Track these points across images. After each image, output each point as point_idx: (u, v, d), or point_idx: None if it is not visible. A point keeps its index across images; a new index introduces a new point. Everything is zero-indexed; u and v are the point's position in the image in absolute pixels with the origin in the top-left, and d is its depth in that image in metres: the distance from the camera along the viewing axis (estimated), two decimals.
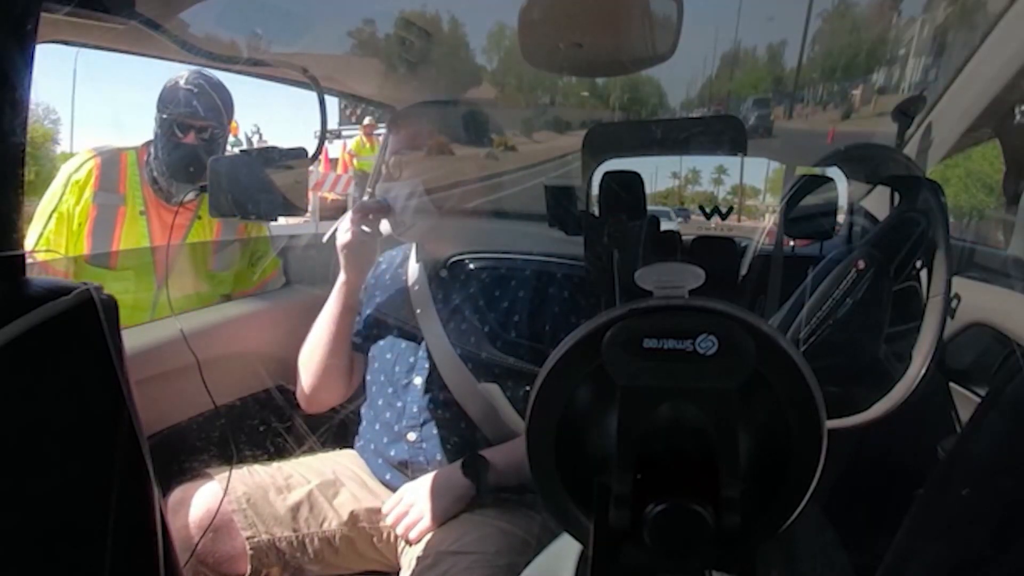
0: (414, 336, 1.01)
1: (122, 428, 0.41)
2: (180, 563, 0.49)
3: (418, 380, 0.98)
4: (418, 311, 1.01)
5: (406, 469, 0.96)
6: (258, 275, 1.38)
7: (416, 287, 1.03)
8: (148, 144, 1.30)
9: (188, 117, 1.24)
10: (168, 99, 1.24)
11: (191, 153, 1.24)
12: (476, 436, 0.95)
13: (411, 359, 1.00)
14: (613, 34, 0.83)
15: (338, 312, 1.02)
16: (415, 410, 0.97)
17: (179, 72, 1.24)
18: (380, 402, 1.00)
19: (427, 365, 0.98)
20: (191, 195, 1.26)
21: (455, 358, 0.96)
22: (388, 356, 1.02)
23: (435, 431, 0.96)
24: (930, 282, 0.78)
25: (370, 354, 1.04)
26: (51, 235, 1.23)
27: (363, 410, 1.05)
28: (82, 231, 1.23)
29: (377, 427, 1.00)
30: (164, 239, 1.27)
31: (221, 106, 1.26)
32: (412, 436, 0.96)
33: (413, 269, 1.05)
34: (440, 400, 0.96)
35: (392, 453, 0.97)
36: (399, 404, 0.98)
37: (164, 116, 1.24)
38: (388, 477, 0.98)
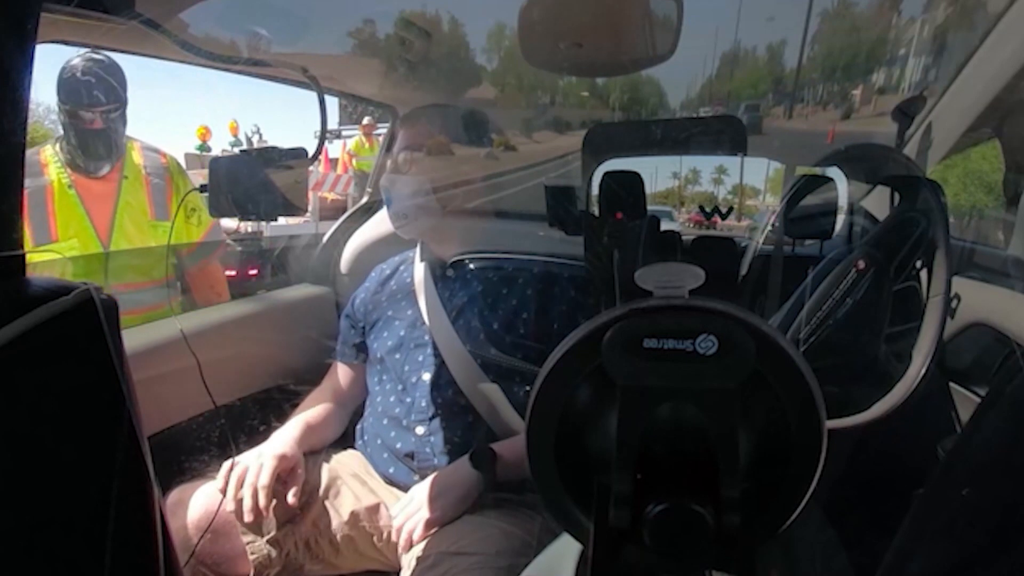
0: (422, 334, 1.02)
1: (122, 428, 0.41)
2: (180, 563, 0.49)
3: (427, 376, 0.99)
4: (425, 309, 1.02)
5: (412, 461, 0.97)
6: (197, 227, 1.49)
7: (422, 286, 1.05)
8: (59, 138, 1.38)
9: (94, 106, 1.33)
10: (70, 91, 1.32)
11: (101, 134, 1.35)
12: (483, 430, 0.96)
13: (419, 357, 1.01)
14: (613, 34, 0.83)
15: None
16: (424, 404, 0.98)
17: (72, 60, 1.32)
18: (392, 399, 1.02)
19: (435, 362, 0.99)
20: (107, 169, 1.38)
21: (463, 354, 0.97)
22: (397, 356, 1.03)
23: (443, 424, 0.97)
24: (930, 282, 0.78)
25: (378, 353, 1.05)
26: None
27: (369, 407, 1.06)
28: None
29: (385, 422, 1.01)
30: (96, 206, 1.37)
31: (118, 86, 1.36)
32: (420, 430, 0.97)
33: (419, 268, 1.06)
34: (449, 395, 0.97)
35: (399, 446, 0.98)
36: (408, 400, 0.99)
37: (68, 108, 1.33)
38: (392, 471, 0.99)
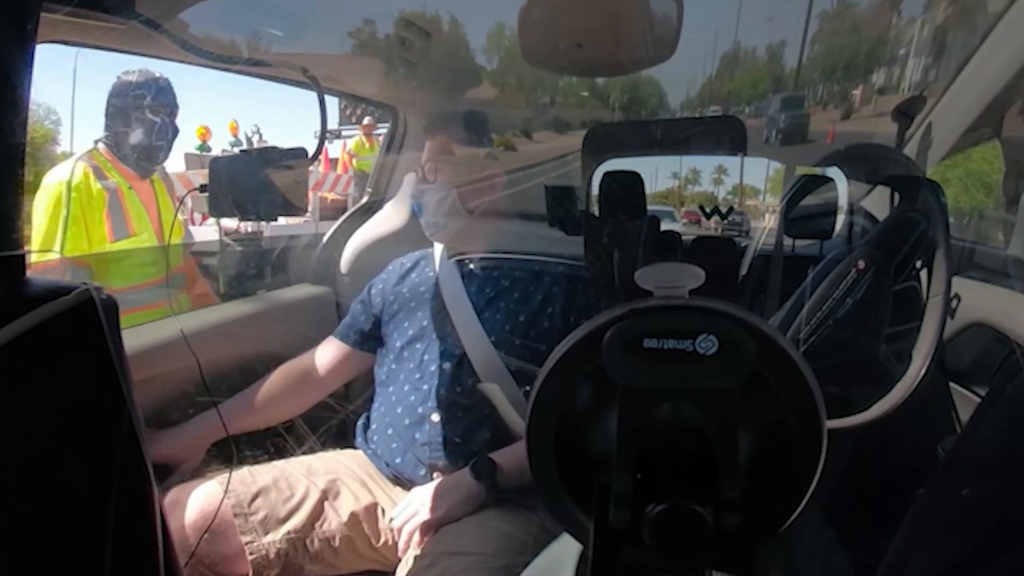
0: (445, 325, 1.03)
1: (122, 428, 0.41)
2: (180, 564, 0.49)
3: (447, 366, 1.00)
4: (449, 301, 1.04)
5: (424, 450, 0.97)
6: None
7: (447, 279, 1.07)
8: (109, 141, 1.55)
9: (175, 107, 1.58)
10: (171, 95, 1.54)
11: (166, 132, 1.57)
12: (497, 421, 0.97)
13: (441, 347, 1.02)
14: (613, 34, 0.83)
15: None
16: (442, 393, 0.99)
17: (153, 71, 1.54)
18: (406, 387, 1.02)
19: (456, 352, 1.00)
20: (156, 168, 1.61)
21: (487, 347, 0.99)
22: (418, 346, 1.04)
23: (459, 414, 0.98)
24: (930, 282, 0.78)
25: (396, 343, 1.06)
26: (71, 238, 1.45)
27: (379, 397, 1.07)
28: (101, 217, 1.48)
29: (399, 410, 1.01)
30: (148, 204, 1.59)
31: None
32: (436, 417, 0.98)
33: (443, 263, 1.09)
34: (468, 386, 0.98)
35: (416, 436, 0.98)
36: (425, 387, 1.00)
37: (157, 106, 1.53)
38: (399, 461, 0.99)
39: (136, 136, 1.52)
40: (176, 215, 1.69)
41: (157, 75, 1.52)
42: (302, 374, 1.11)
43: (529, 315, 1.01)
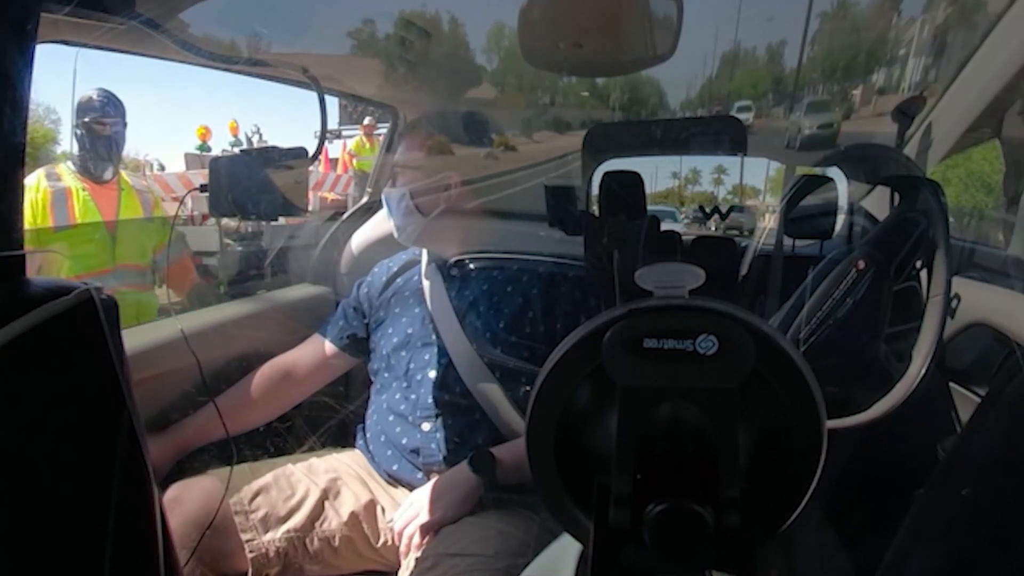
0: (429, 332, 1.03)
1: (122, 428, 0.41)
2: (180, 563, 0.49)
3: (432, 373, 1.00)
4: (433, 309, 1.03)
5: (417, 457, 0.97)
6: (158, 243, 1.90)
7: (429, 284, 1.06)
8: (70, 155, 1.81)
9: (122, 120, 1.79)
10: (86, 108, 1.75)
11: (106, 142, 1.77)
12: (488, 427, 0.96)
13: (426, 355, 1.02)
14: (613, 34, 0.83)
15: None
16: (429, 401, 0.98)
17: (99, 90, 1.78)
18: (397, 396, 1.02)
19: (441, 360, 1.00)
20: (110, 173, 1.79)
21: (470, 353, 0.98)
22: (403, 354, 1.04)
23: (449, 421, 0.97)
24: (930, 282, 0.78)
25: (383, 351, 1.06)
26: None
27: (373, 404, 1.06)
28: (46, 211, 1.72)
29: (391, 418, 1.01)
30: (105, 210, 1.79)
31: (120, 109, 1.80)
32: (426, 426, 0.98)
33: (426, 267, 1.08)
34: (455, 392, 0.98)
35: (404, 442, 0.98)
36: (413, 396, 1.00)
37: (85, 120, 1.75)
38: (396, 468, 0.99)
39: (85, 148, 1.76)
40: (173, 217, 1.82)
41: (100, 94, 1.76)
42: (284, 374, 1.09)
43: (513, 316, 1.00)
